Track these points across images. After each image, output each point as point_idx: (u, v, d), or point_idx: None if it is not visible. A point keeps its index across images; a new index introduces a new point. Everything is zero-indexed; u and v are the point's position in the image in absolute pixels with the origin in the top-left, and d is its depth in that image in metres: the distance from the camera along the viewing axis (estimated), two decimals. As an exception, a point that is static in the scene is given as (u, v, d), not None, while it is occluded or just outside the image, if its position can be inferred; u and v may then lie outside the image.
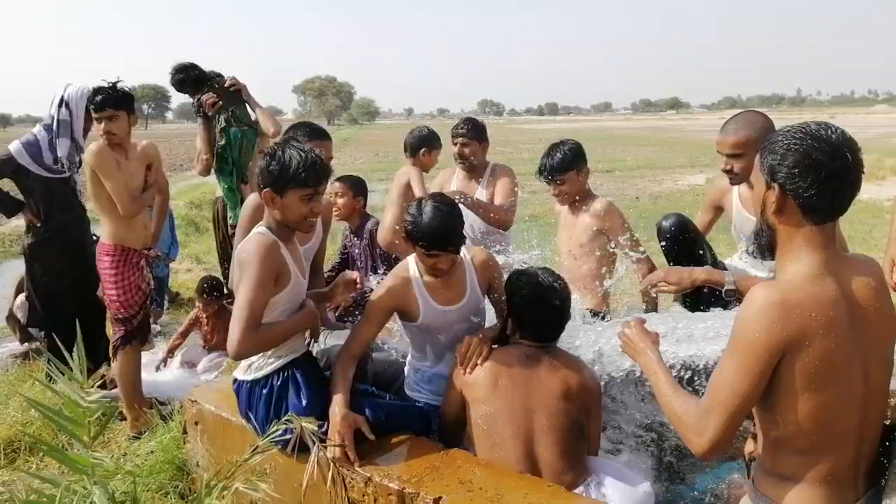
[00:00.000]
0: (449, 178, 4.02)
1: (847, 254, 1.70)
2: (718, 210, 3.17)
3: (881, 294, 1.57)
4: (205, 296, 4.37)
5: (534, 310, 2.26)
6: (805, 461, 1.55)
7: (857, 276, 1.55)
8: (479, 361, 2.24)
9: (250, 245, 2.14)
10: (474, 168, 3.84)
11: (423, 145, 4.07)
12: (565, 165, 3.26)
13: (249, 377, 2.26)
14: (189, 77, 4.47)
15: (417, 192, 3.84)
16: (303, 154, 2.14)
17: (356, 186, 4.05)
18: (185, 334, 4.44)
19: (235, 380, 2.34)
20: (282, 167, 2.13)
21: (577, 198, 3.33)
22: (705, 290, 3.00)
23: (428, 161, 4.11)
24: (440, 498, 1.90)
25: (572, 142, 3.34)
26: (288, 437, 1.92)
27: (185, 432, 2.68)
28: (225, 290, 4.41)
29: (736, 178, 2.82)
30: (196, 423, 2.59)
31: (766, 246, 1.63)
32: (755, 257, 2.72)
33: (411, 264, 2.45)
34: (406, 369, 2.65)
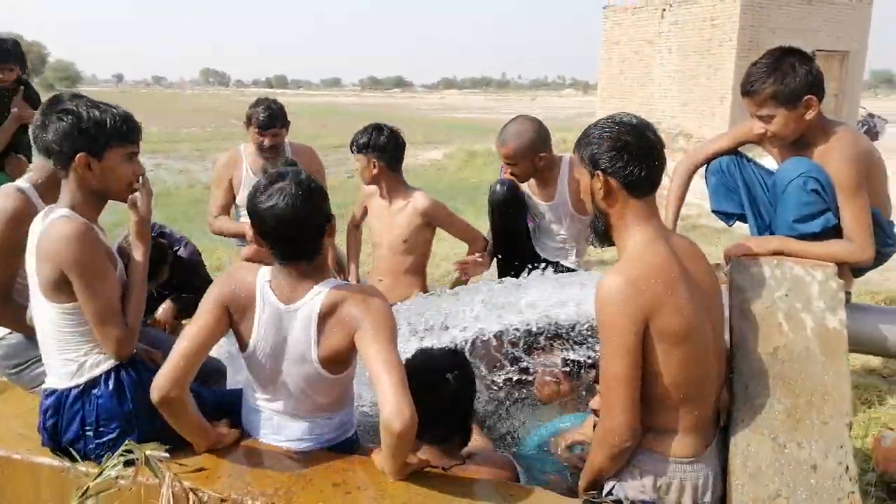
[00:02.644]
0: (237, 163, 3.63)
1: None
2: None
3: (699, 255, 1.81)
4: None
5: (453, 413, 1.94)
6: (678, 414, 1.72)
7: (678, 240, 1.80)
8: None
9: (66, 235, 1.75)
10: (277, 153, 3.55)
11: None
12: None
13: (83, 379, 1.85)
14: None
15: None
16: (113, 107, 1.84)
17: None
18: None
19: (52, 392, 1.88)
20: (97, 123, 1.78)
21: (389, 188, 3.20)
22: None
23: None
24: (319, 507, 1.72)
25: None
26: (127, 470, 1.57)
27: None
28: None
29: (518, 178, 3.05)
30: (-44, 471, 2.00)
31: (602, 232, 1.80)
32: (595, 246, 3.00)
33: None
34: None
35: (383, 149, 3.08)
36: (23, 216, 2.06)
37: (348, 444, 2.00)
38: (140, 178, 1.94)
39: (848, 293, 2.22)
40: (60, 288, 1.79)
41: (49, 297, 1.82)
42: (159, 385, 1.71)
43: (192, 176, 12.92)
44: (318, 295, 1.80)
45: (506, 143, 2.93)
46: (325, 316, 1.79)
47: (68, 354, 1.87)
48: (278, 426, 1.94)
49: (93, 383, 1.86)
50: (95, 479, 1.51)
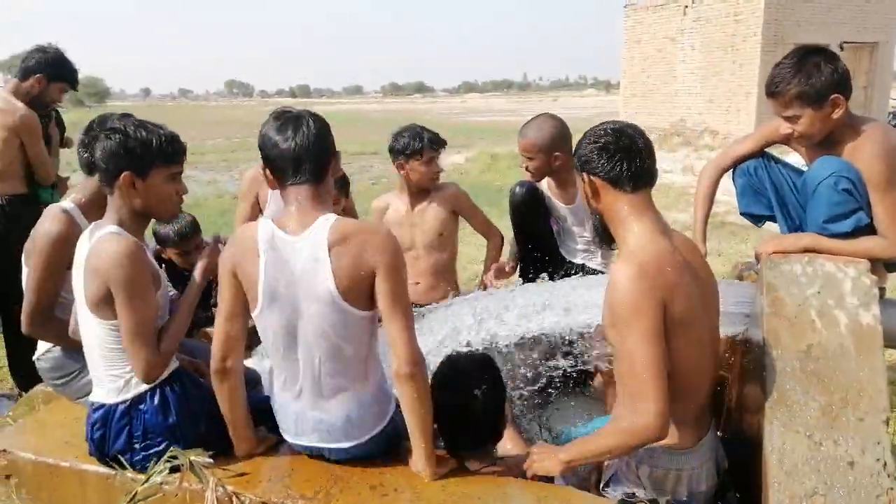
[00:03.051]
0: (262, 179, 3.69)
1: None
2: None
3: (695, 248, 1.87)
4: None
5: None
6: (678, 405, 1.73)
7: (678, 235, 1.83)
8: None
9: (115, 252, 1.80)
10: None
11: None
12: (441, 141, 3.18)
13: (129, 395, 1.90)
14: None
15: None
16: (160, 127, 1.89)
17: None
18: None
19: (101, 406, 1.93)
20: (143, 143, 1.84)
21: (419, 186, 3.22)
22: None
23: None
24: (357, 509, 1.76)
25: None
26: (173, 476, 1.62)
27: (-12, 490, 2.14)
28: None
29: (533, 175, 3.07)
30: (8, 477, 2.07)
31: (601, 232, 1.86)
32: (600, 247, 3.03)
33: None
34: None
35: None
36: (68, 238, 2.14)
37: (396, 427, 1.91)
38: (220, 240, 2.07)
39: (882, 289, 2.20)
40: (107, 304, 1.84)
41: (95, 313, 1.87)
42: (217, 356, 1.82)
43: (220, 187, 13.12)
44: (325, 221, 1.76)
45: (525, 135, 2.97)
46: (336, 244, 1.73)
47: (114, 370, 1.91)
48: (315, 421, 1.86)
49: (139, 399, 1.90)
50: (143, 484, 1.55)
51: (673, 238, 1.78)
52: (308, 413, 1.87)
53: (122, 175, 1.86)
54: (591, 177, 1.78)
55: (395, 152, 3.16)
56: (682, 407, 1.76)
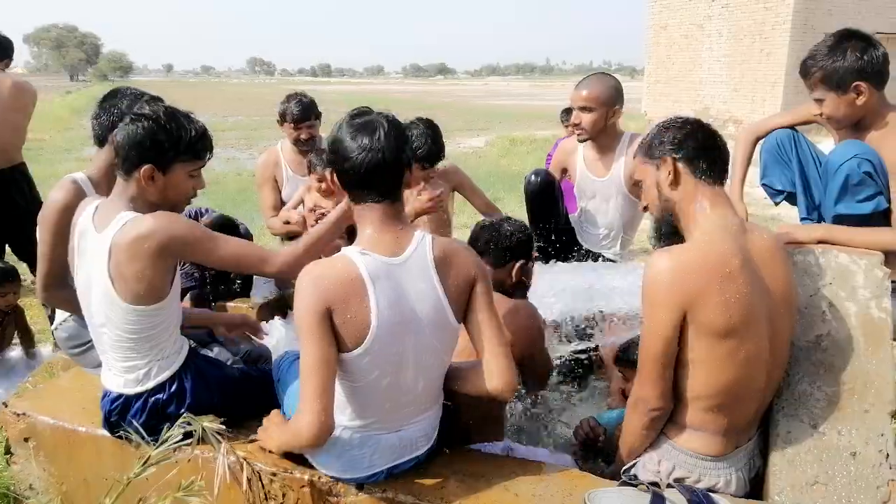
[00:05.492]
0: (277, 162, 3.71)
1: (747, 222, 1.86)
2: (564, 171, 3.38)
3: (779, 257, 1.72)
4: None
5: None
6: (710, 416, 1.69)
7: (755, 237, 1.70)
8: None
9: (162, 224, 1.76)
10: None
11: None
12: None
13: (149, 385, 1.90)
14: None
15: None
16: (191, 120, 1.84)
17: None
18: None
19: (120, 396, 1.93)
20: (172, 136, 1.78)
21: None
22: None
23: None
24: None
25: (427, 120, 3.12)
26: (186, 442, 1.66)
27: (7, 452, 2.21)
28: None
29: (584, 133, 3.05)
30: (26, 440, 2.14)
31: (669, 231, 1.77)
32: (620, 237, 3.02)
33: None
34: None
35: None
36: (72, 206, 2.14)
37: None
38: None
39: (895, 282, 2.18)
40: (150, 287, 1.78)
41: (129, 300, 1.79)
42: (320, 436, 1.63)
43: (240, 164, 13.17)
44: (422, 240, 1.68)
45: (587, 86, 2.97)
46: (440, 262, 1.67)
47: (134, 361, 1.89)
48: (400, 441, 1.77)
49: (157, 389, 1.90)
50: (157, 448, 1.59)
51: (752, 241, 1.68)
52: (402, 432, 1.78)
53: (143, 168, 1.78)
54: (676, 162, 1.71)
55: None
56: (716, 419, 1.68)
